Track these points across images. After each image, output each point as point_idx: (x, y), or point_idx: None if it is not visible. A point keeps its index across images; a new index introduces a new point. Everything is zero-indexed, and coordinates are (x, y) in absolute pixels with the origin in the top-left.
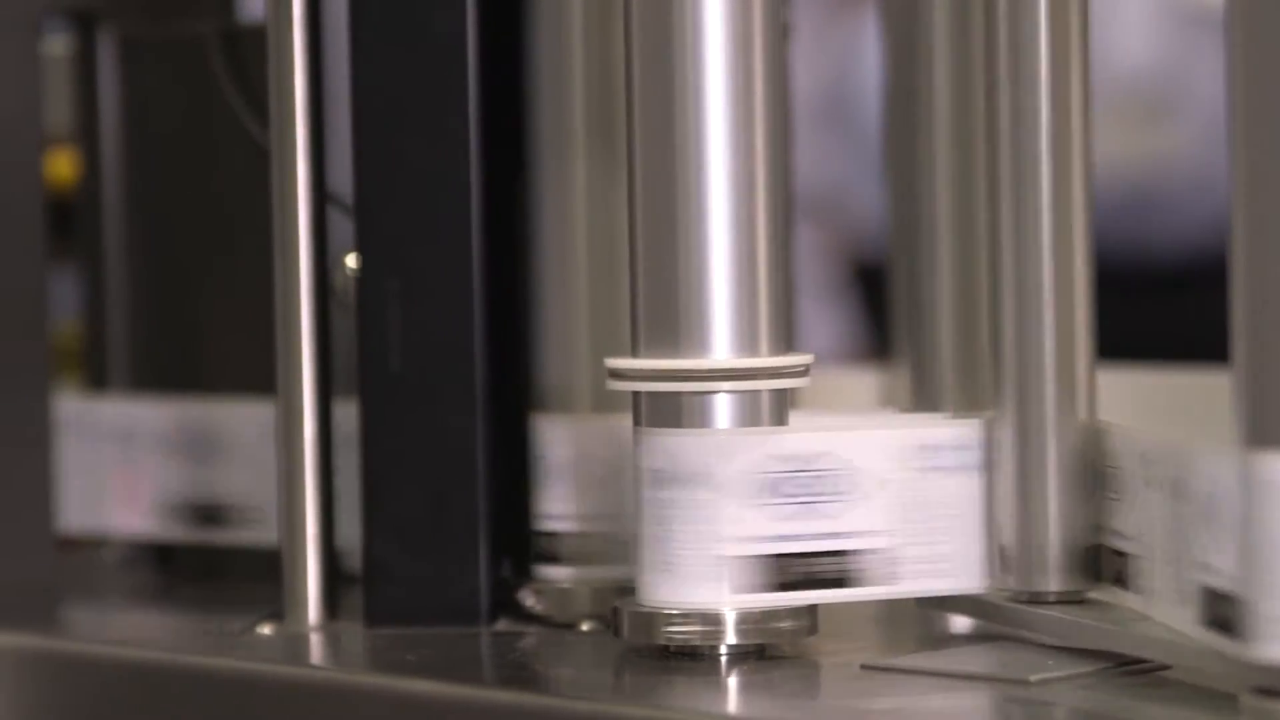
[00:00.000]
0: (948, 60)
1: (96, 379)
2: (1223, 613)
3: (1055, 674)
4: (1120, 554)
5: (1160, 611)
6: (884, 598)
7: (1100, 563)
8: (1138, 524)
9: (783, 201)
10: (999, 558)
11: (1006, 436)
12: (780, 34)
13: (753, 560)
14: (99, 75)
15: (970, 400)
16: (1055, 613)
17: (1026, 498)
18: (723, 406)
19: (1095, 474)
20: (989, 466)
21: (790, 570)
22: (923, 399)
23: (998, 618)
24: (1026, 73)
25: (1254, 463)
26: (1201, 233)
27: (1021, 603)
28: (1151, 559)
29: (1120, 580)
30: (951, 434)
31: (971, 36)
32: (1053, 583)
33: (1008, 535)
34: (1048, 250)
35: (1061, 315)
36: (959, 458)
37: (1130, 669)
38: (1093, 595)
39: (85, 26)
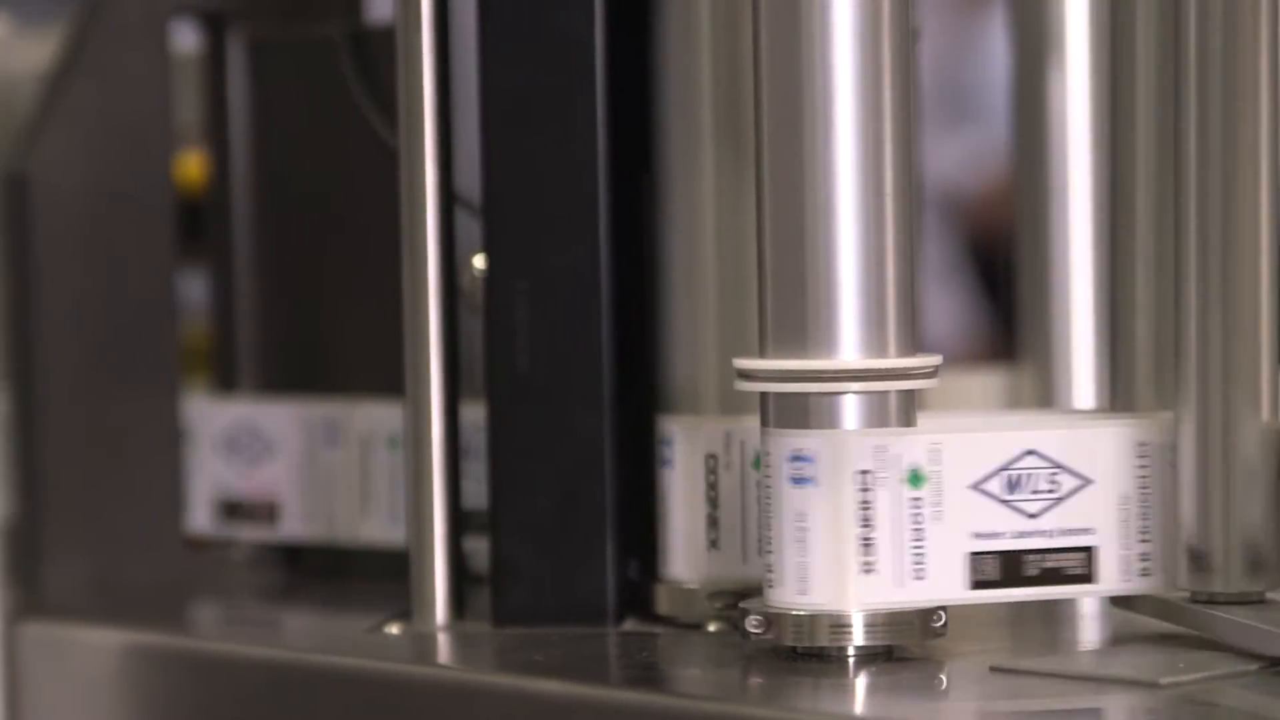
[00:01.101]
0: (1150, 58)
1: (225, 380)
2: None
3: (1185, 677)
4: None
5: None
6: (1018, 599)
7: None
8: None
9: (911, 202)
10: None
11: (1189, 436)
12: (909, 36)
13: (883, 561)
14: (228, 77)
15: (1164, 400)
16: (1229, 614)
17: (1206, 498)
18: (850, 407)
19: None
20: (1174, 466)
21: (921, 570)
22: (1118, 399)
23: (1175, 618)
24: (1207, 68)
25: None
26: None
27: (1199, 603)
28: None
29: None
30: (927, 441)
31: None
32: (1232, 584)
33: (1187, 535)
34: (1232, 248)
35: (1245, 314)
36: (938, 466)
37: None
38: (1273, 597)
39: (215, 28)
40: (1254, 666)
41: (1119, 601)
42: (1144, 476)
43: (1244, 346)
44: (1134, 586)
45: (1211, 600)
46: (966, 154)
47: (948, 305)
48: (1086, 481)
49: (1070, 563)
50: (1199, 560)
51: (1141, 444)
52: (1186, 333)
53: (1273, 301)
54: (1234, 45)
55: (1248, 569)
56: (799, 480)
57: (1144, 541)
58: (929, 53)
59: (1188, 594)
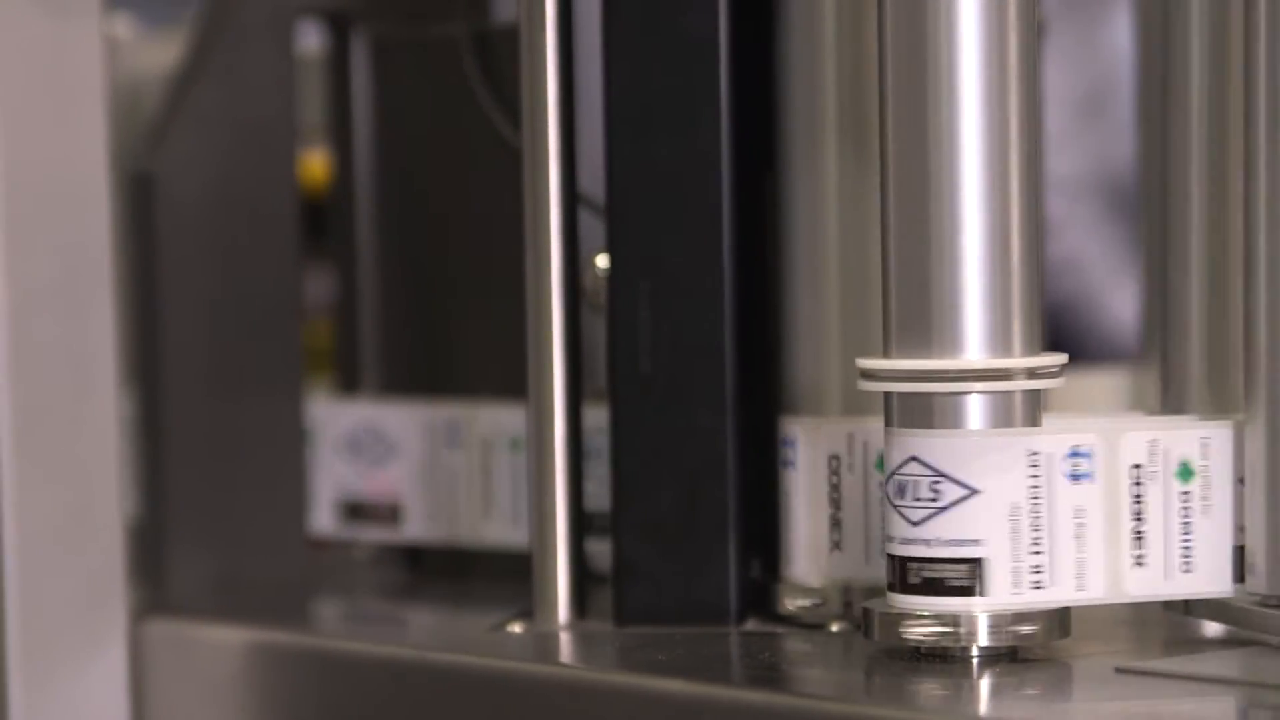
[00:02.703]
0: (1205, 52)
1: (349, 380)
2: None
3: None
4: None
5: None
6: (1144, 599)
7: None
8: None
9: (1036, 200)
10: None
11: (1257, 439)
12: (1035, 31)
13: (1010, 563)
14: (352, 76)
15: (1220, 403)
16: None
17: (1276, 501)
18: (975, 407)
19: None
20: (1239, 470)
21: (1043, 572)
22: (1170, 400)
23: (1245, 622)
24: (1275, 60)
25: None
26: None
27: (1270, 607)
28: None
29: None
30: (1198, 436)
31: (1230, 27)
32: None
33: (1255, 539)
34: None
35: None
36: (1206, 461)
37: None
38: None
39: (339, 28)
40: None
41: (1174, 606)
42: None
43: None
44: (1193, 589)
45: None
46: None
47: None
48: (1139, 484)
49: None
50: (1264, 564)
51: (1183, 449)
52: (1257, 333)
53: None
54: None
55: None
56: (925, 481)
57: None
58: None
59: (1258, 598)
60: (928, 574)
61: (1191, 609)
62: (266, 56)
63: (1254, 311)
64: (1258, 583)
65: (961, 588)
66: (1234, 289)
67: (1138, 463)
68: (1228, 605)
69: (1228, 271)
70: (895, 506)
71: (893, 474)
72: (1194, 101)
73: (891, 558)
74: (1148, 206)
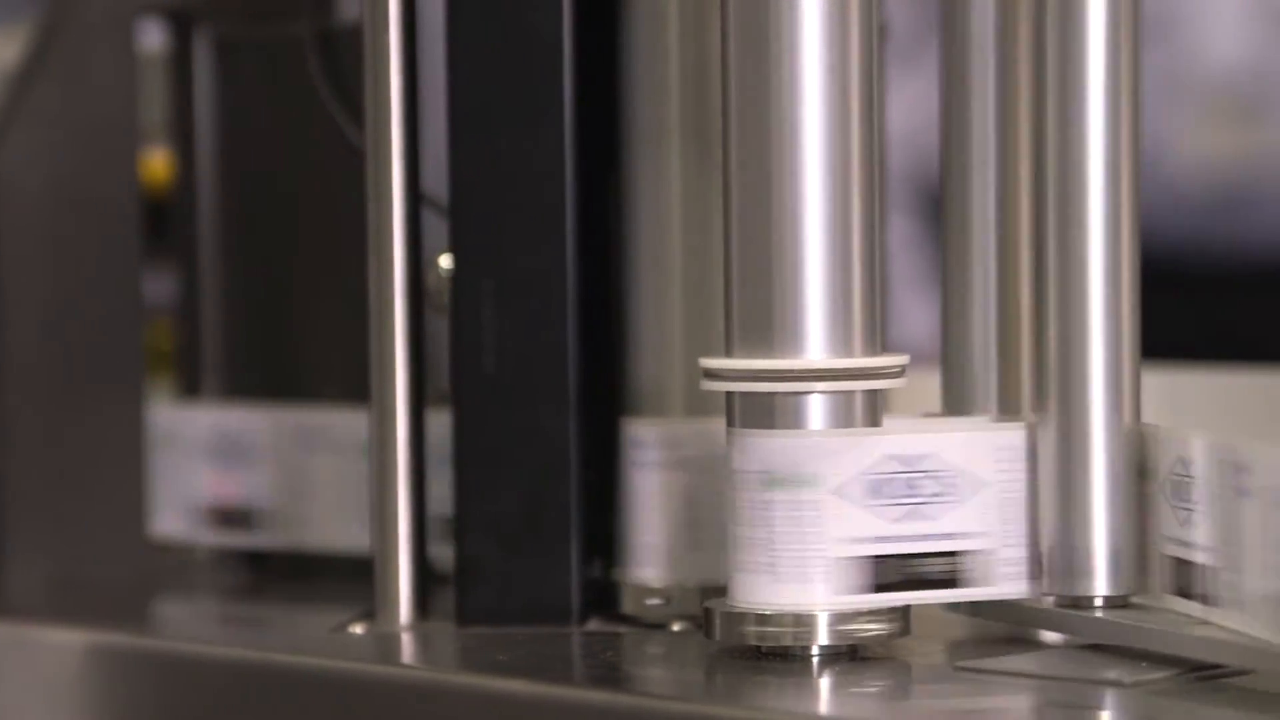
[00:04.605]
0: (995, 57)
1: (190, 382)
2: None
3: (1150, 676)
4: (1184, 561)
5: (1240, 619)
6: (977, 599)
7: (1149, 569)
8: (1206, 531)
9: (877, 201)
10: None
11: (1049, 440)
12: (877, 35)
13: (846, 562)
14: (194, 75)
15: (1010, 404)
16: (1101, 616)
17: (1068, 502)
18: (817, 407)
19: (1142, 478)
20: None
21: (885, 572)
22: (956, 402)
23: (1032, 622)
24: (1074, 71)
25: None
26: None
27: (1063, 607)
28: (1232, 567)
29: (1183, 589)
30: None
31: (1018, 42)
32: (1096, 587)
33: (1048, 539)
34: (1095, 251)
35: (1107, 317)
36: (1029, 461)
37: (1206, 675)
38: (1137, 600)
39: (181, 26)
40: (1215, 669)
41: (980, 609)
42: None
43: (1106, 348)
44: (1020, 589)
45: (1075, 605)
46: None
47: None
48: (980, 485)
49: (963, 567)
50: (1064, 563)
51: (1017, 449)
52: (1048, 335)
53: (1133, 302)
54: (1107, 43)
55: (1111, 572)
56: (764, 480)
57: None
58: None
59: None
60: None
61: (981, 611)
62: (108, 55)
63: (1044, 315)
64: (1050, 583)
65: (811, 586)
66: (1021, 294)
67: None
68: (1016, 606)
69: (1017, 276)
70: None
71: (746, 473)
72: (985, 106)
73: (738, 557)
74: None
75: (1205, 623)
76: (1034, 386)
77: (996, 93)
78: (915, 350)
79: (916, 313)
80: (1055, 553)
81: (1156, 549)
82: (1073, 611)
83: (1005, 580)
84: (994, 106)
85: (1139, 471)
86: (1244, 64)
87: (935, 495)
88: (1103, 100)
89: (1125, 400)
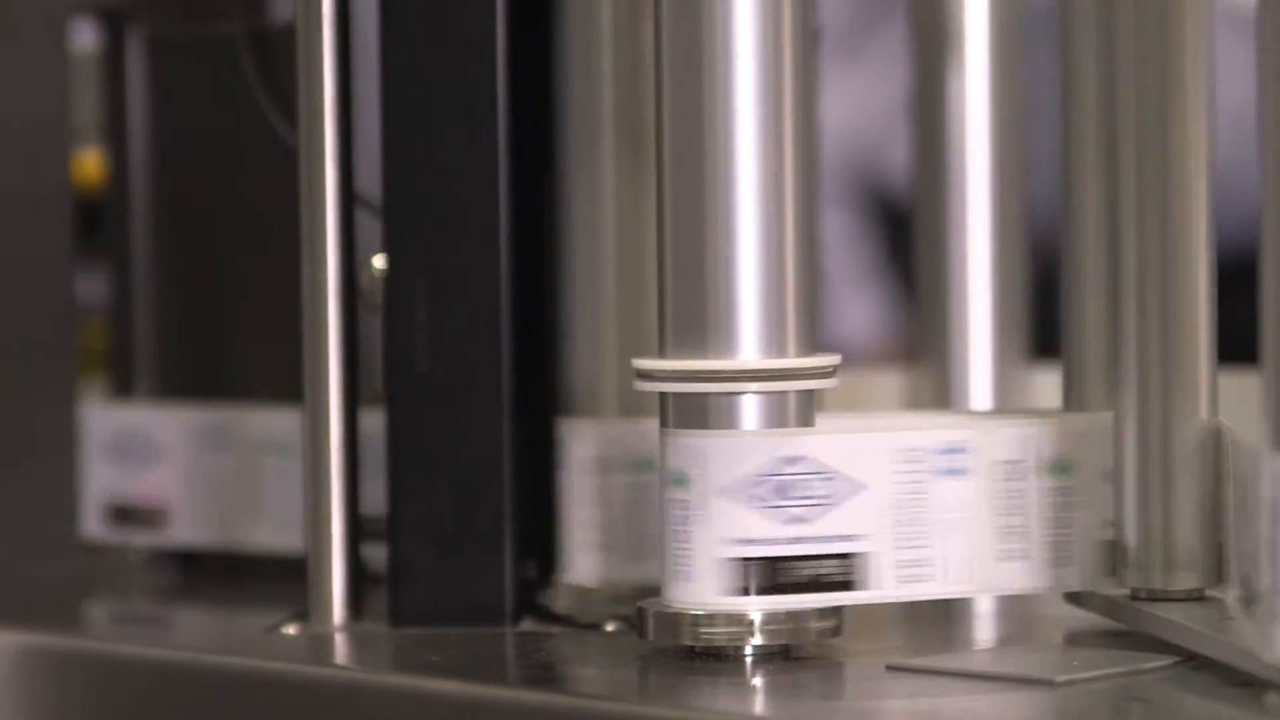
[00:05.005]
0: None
1: (122, 382)
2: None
3: (1080, 675)
4: (1238, 554)
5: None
6: (908, 599)
7: (1221, 563)
8: (1249, 527)
9: (811, 203)
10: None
11: (1129, 435)
12: (810, 37)
13: (772, 562)
14: (127, 75)
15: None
16: (1170, 614)
17: (1147, 496)
18: (749, 407)
19: (1216, 475)
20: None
21: (807, 572)
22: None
23: (1119, 615)
24: (1144, 68)
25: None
26: (1231, 233)
27: (1141, 599)
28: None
29: (1242, 582)
30: (967, 437)
31: (1119, 41)
32: (1175, 581)
33: (1129, 533)
34: (1170, 251)
35: (1185, 315)
36: (966, 461)
37: (1171, 667)
38: (1212, 594)
39: (114, 26)
40: (1147, 665)
41: (1070, 598)
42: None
43: (1184, 346)
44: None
45: (1153, 597)
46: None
47: (880, 307)
48: (892, 483)
49: (877, 567)
50: (1139, 557)
51: (958, 449)
52: (1127, 332)
53: (1208, 300)
54: (1169, 47)
55: (1187, 566)
56: (695, 480)
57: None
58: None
59: (1129, 591)
60: (796, 573)
61: (1083, 603)
62: (40, 55)
63: (1123, 312)
64: (1131, 575)
65: (741, 587)
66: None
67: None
68: (1113, 602)
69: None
70: (761, 507)
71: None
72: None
73: (674, 557)
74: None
75: (1230, 618)
76: (1116, 381)
77: (1105, 95)
78: (856, 347)
79: (856, 310)
80: (1134, 545)
81: (1232, 547)
82: (1146, 605)
83: (934, 581)
84: (1100, 109)
85: (1216, 472)
86: None
87: (851, 494)
88: (1189, 102)
89: (1201, 396)
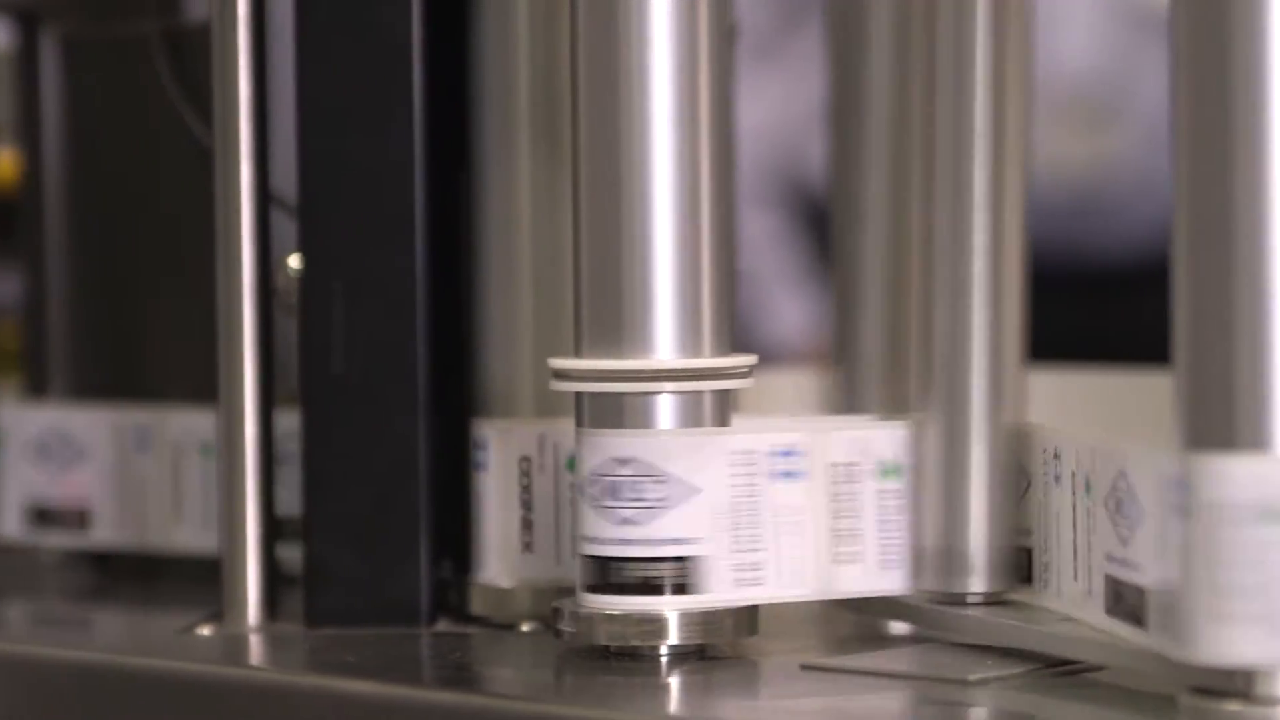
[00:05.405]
0: (888, 61)
1: (37, 382)
2: (1151, 613)
3: (994, 674)
4: (1039, 554)
5: (1083, 612)
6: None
7: (1020, 564)
8: (1058, 525)
9: (727, 203)
10: (921, 559)
11: (932, 438)
12: (726, 35)
13: (696, 561)
14: (41, 73)
15: (897, 402)
16: (977, 614)
17: (951, 499)
18: (665, 407)
19: (1021, 475)
20: (917, 468)
21: (638, 574)
22: (851, 401)
23: (919, 620)
24: (965, 72)
25: (1193, 464)
26: (1145, 235)
27: (941, 604)
28: (1070, 560)
29: (1041, 581)
30: (800, 439)
31: (912, 39)
32: (975, 584)
33: (930, 537)
34: (981, 250)
35: (992, 316)
36: (800, 463)
37: (1062, 670)
38: (1014, 597)
39: (28, 24)
40: (1058, 665)
41: (852, 604)
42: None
43: (990, 347)
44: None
45: (954, 601)
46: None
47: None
48: (818, 483)
49: (786, 567)
50: (937, 561)
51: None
52: (934, 333)
53: (1019, 302)
54: (985, 44)
55: (990, 569)
56: (610, 479)
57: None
58: None
59: (929, 594)
60: (627, 574)
61: (871, 608)
62: None
63: (931, 313)
64: (931, 579)
65: (659, 586)
66: (911, 293)
67: (845, 461)
68: (898, 603)
69: (907, 275)
70: (596, 507)
71: (593, 474)
72: (875, 112)
73: (588, 558)
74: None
75: (1068, 619)
76: (919, 386)
77: (888, 92)
78: (788, 348)
79: (789, 310)
80: (935, 549)
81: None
82: (949, 609)
83: (729, 586)
84: (886, 106)
85: (1018, 470)
86: (1096, 69)
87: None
88: (990, 100)
89: (1007, 398)
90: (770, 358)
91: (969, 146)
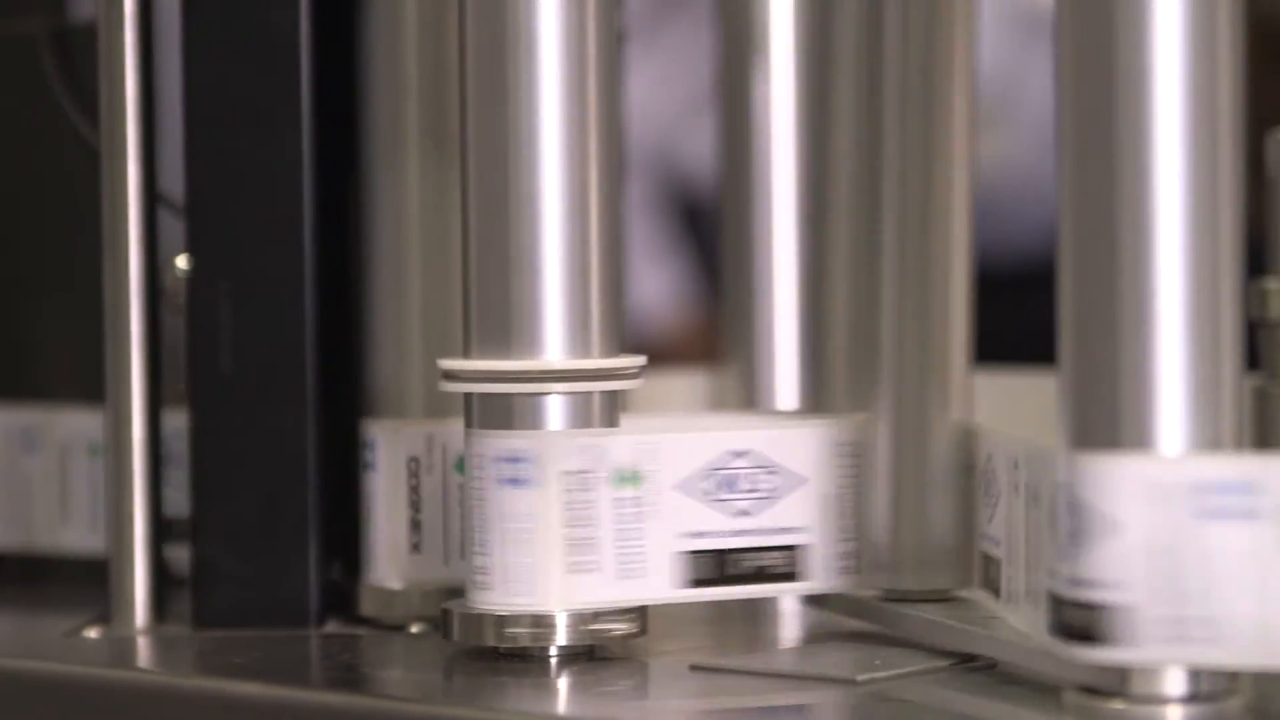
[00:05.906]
0: (852, 67)
1: None
2: (1064, 616)
3: (881, 674)
4: (988, 556)
5: (1016, 613)
6: (717, 599)
7: (971, 564)
8: (1004, 528)
9: (616, 204)
10: (869, 555)
11: (882, 436)
12: (614, 37)
13: (580, 562)
14: None
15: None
16: (919, 612)
17: (898, 497)
18: (555, 408)
19: (968, 475)
20: (867, 468)
21: (621, 570)
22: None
23: (866, 615)
24: (910, 76)
25: (1076, 463)
26: (1032, 238)
27: (890, 600)
28: (1012, 562)
29: (988, 582)
30: (527, 446)
31: (872, 43)
32: (920, 581)
33: (879, 533)
34: (928, 252)
35: (938, 316)
36: (529, 471)
37: (961, 666)
38: (960, 594)
39: None
40: (946, 663)
41: (811, 600)
42: (846, 476)
43: (937, 347)
44: (836, 584)
45: (904, 598)
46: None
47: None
48: (800, 481)
49: (777, 561)
50: (891, 558)
51: (842, 444)
52: (882, 333)
53: (966, 302)
54: (931, 48)
55: (937, 567)
56: (511, 481)
57: (846, 540)
58: None
59: (879, 592)
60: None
61: (828, 605)
62: None
63: (879, 313)
64: (899, 578)
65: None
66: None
67: (578, 469)
68: (860, 602)
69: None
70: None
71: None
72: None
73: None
74: (727, 211)
75: (998, 617)
76: (854, 384)
77: (855, 98)
78: (652, 316)
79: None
80: (879, 547)
81: (976, 544)
82: (895, 605)
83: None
84: (858, 104)
85: (965, 469)
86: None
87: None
88: (932, 102)
89: (954, 397)
90: (631, 322)
91: (915, 149)
